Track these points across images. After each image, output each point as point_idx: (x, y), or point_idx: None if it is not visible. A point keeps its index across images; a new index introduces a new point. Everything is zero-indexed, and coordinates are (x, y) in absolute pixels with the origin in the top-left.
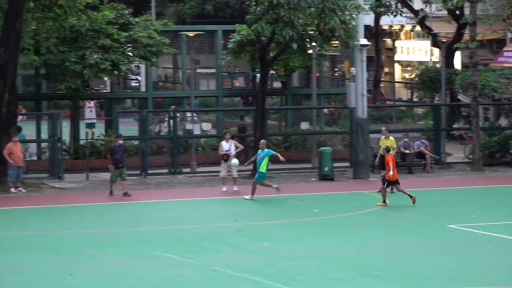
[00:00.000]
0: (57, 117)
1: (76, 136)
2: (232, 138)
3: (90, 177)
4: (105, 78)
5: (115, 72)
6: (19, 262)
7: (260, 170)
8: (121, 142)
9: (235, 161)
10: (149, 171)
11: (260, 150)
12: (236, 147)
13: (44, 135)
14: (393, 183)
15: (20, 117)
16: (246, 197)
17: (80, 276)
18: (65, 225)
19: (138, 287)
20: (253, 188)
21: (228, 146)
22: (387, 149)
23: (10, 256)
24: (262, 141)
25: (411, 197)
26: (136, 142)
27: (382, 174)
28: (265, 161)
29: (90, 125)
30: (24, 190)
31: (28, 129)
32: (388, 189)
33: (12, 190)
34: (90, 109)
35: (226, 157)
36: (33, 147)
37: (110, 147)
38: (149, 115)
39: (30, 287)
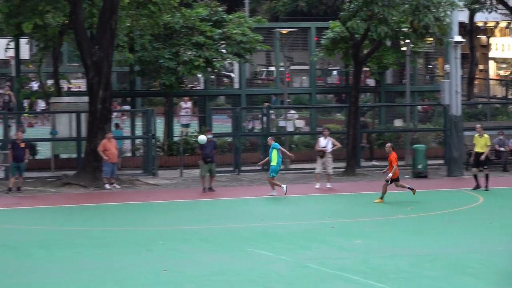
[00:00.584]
0: (151, 114)
1: (169, 132)
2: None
3: (184, 173)
4: (199, 75)
5: (209, 69)
6: (113, 258)
7: (271, 164)
8: (210, 136)
9: (202, 137)
10: (243, 168)
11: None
12: (334, 145)
13: (139, 132)
14: (395, 180)
15: (114, 114)
16: (272, 193)
17: (173, 273)
18: (159, 222)
19: (232, 283)
20: (271, 184)
21: (325, 142)
22: (392, 147)
23: (104, 252)
24: (269, 138)
25: (411, 189)
26: (229, 139)
27: (385, 170)
28: (274, 153)
29: (186, 125)
30: (118, 187)
31: (123, 126)
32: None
33: (107, 186)
34: (186, 110)
35: (322, 154)
36: (127, 143)
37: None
38: (242, 112)
39: (123, 284)
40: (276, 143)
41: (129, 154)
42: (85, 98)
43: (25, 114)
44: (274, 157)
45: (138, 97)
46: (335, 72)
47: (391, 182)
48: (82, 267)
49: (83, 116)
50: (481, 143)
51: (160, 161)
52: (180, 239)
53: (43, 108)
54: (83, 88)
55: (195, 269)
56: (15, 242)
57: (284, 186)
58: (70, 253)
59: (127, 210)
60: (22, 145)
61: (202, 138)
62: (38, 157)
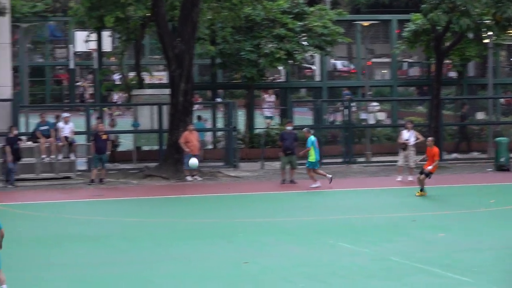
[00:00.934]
0: (232, 106)
1: (251, 125)
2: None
3: (265, 166)
4: (280, 68)
5: (290, 61)
6: (194, 250)
7: (309, 160)
8: (290, 128)
9: (193, 161)
10: (324, 161)
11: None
12: (417, 138)
13: (220, 124)
14: (426, 174)
15: (196, 106)
16: (313, 185)
17: (255, 265)
18: (240, 213)
19: (313, 275)
20: (310, 175)
21: (408, 135)
22: (433, 140)
23: (185, 243)
24: (305, 129)
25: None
26: None
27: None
28: (311, 148)
29: (269, 117)
30: (200, 179)
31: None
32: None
33: (188, 178)
34: (269, 103)
35: (405, 146)
36: (209, 136)
37: (280, 134)
38: (323, 104)
39: (204, 275)
40: (313, 137)
41: (210, 146)
42: (167, 91)
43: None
44: (312, 152)
45: (219, 90)
46: (416, 65)
47: (428, 176)
48: (163, 258)
49: (165, 109)
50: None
51: (242, 153)
52: (262, 231)
53: (114, 100)
54: (165, 80)
55: (276, 261)
56: (98, 233)
57: (329, 175)
58: (152, 245)
59: (209, 202)
60: (104, 137)
61: (194, 162)
62: (120, 149)
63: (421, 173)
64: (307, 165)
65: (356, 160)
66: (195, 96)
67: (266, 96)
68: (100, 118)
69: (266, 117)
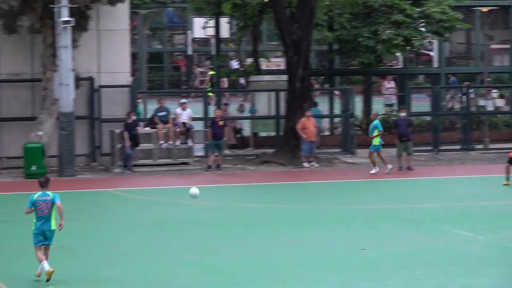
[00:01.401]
0: (349, 93)
1: (368, 111)
2: None
3: (381, 152)
4: (398, 54)
5: (408, 47)
6: (312, 235)
7: (373, 143)
8: (403, 114)
9: (194, 190)
10: (441, 147)
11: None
12: None
13: (337, 110)
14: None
15: (313, 93)
16: (372, 171)
17: (372, 251)
18: (357, 200)
19: (431, 262)
20: (373, 160)
21: None
22: None
23: (303, 229)
24: (374, 112)
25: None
26: (428, 118)
27: None
28: (376, 132)
29: (390, 105)
30: (317, 165)
31: (321, 105)
32: None
33: (305, 164)
34: (389, 90)
35: None
36: (326, 122)
37: (395, 121)
38: (441, 91)
39: (322, 261)
40: (378, 122)
41: (327, 133)
42: (284, 77)
43: (209, 94)
44: (376, 137)
45: (336, 76)
46: None
47: None
48: (282, 244)
49: (282, 95)
50: None
51: (359, 140)
52: (379, 217)
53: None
54: (282, 66)
55: (393, 247)
56: (216, 219)
57: (389, 166)
58: (271, 230)
59: (326, 188)
60: (221, 123)
61: (194, 192)
62: (237, 135)
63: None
64: (371, 149)
65: (474, 147)
66: (312, 82)
67: (385, 82)
68: (226, 104)
69: (386, 105)
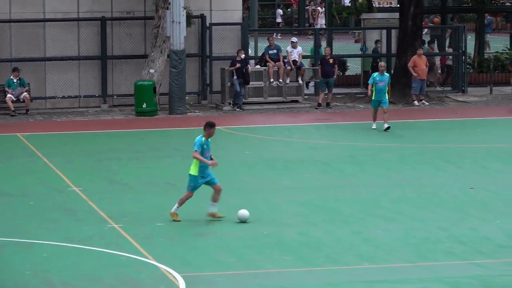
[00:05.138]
0: (462, 31)
1: (480, 49)
2: None
3: (494, 91)
4: None
5: None
6: (422, 174)
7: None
8: None
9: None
10: None
11: (379, 74)
12: None
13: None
14: None
15: (425, 31)
16: (373, 127)
17: (481, 190)
18: (467, 139)
19: None
20: (385, 117)
21: None
22: None
23: (414, 168)
24: (382, 64)
25: None
26: None
27: None
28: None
29: None
30: (427, 103)
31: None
32: None
33: (416, 103)
34: None
35: None
36: (437, 60)
37: (511, 59)
38: None
39: (431, 199)
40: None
41: (439, 71)
42: (396, 15)
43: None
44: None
45: (448, 14)
46: None
47: None
48: (393, 183)
49: (393, 33)
50: None
51: (470, 78)
52: (490, 157)
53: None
54: (394, 4)
55: (503, 187)
56: (326, 157)
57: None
58: (381, 169)
59: (436, 127)
60: (331, 61)
61: (244, 214)
62: (348, 73)
63: None
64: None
65: None
66: (425, 20)
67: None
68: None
69: None
